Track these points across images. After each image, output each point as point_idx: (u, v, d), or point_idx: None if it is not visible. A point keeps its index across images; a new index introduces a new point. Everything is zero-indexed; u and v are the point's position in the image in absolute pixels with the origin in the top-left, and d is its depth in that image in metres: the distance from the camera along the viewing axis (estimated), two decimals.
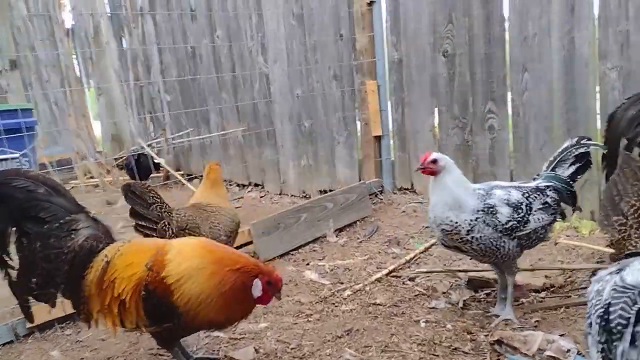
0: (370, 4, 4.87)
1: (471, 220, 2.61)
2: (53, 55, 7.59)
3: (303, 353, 2.60)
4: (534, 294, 3.07)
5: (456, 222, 2.62)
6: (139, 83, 7.33)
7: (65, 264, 2.21)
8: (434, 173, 2.69)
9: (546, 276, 3.28)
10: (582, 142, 2.84)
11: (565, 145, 2.87)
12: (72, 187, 6.94)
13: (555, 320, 2.76)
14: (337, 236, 4.38)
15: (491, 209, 2.63)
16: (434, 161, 2.67)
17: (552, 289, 3.10)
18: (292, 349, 2.65)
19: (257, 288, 2.18)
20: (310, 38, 5.37)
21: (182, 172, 6.72)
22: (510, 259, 2.72)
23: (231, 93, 6.30)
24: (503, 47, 4.27)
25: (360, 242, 4.25)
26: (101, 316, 2.22)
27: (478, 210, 2.62)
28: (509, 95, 4.29)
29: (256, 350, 2.64)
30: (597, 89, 3.87)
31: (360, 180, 5.11)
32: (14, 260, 2.28)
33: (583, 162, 2.84)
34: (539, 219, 2.69)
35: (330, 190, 5.24)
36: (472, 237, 2.62)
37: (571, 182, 2.81)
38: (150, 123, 7.48)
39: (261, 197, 6.06)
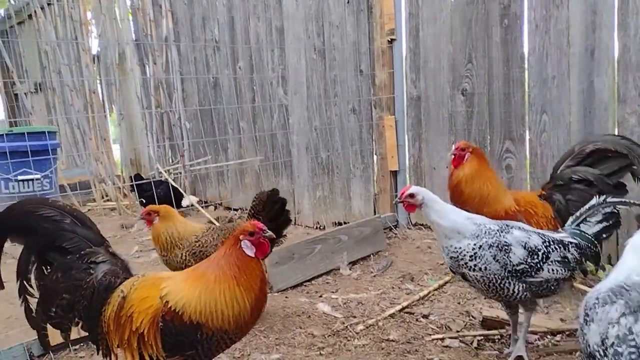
0: (390, 41, 4.97)
1: (474, 245, 2.59)
2: (78, 80, 7.78)
3: None
4: (549, 336, 3.04)
5: (459, 247, 2.62)
6: (160, 110, 7.47)
7: (84, 299, 2.22)
8: (413, 207, 2.73)
9: (562, 319, 3.25)
10: (609, 201, 2.74)
11: (592, 203, 2.77)
12: (90, 210, 7.04)
13: None
14: (350, 269, 4.37)
15: (505, 247, 2.58)
16: (411, 195, 2.69)
17: (567, 333, 3.06)
18: None
19: (247, 248, 2.17)
20: (330, 72, 5.47)
21: (198, 199, 6.78)
22: (519, 301, 2.67)
23: (250, 123, 6.40)
24: (522, 88, 4.32)
25: (374, 276, 4.24)
26: (121, 351, 2.22)
27: (491, 246, 2.58)
28: (527, 135, 4.31)
29: None
30: (616, 133, 3.88)
31: (375, 214, 5.12)
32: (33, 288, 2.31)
33: (611, 221, 2.74)
34: (553, 270, 2.60)
35: (345, 223, 5.26)
36: (476, 266, 2.59)
37: (595, 242, 2.70)
38: (169, 149, 7.59)
39: None
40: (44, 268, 2.29)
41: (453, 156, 3.61)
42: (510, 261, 2.57)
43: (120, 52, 7.65)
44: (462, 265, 2.63)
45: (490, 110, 4.47)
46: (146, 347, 2.15)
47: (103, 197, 7.51)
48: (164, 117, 7.48)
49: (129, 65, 7.67)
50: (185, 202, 6.24)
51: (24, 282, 2.30)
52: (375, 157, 5.31)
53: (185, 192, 6.75)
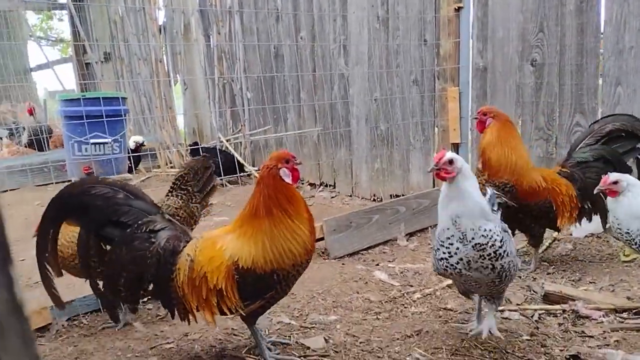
0: (457, 9, 4.83)
1: (501, 231, 2.30)
2: (145, 49, 8.01)
3: (372, 348, 2.62)
4: (615, 313, 2.94)
5: (491, 231, 2.25)
6: (222, 79, 7.60)
7: (151, 267, 2.28)
8: (447, 177, 2.28)
9: (628, 298, 3.14)
10: None
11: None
12: (155, 175, 7.31)
13: (637, 341, 2.63)
14: (407, 240, 4.37)
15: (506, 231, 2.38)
16: (450, 161, 2.27)
17: (635, 311, 2.95)
18: (360, 342, 2.68)
19: (286, 175, 2.30)
20: (393, 42, 5.39)
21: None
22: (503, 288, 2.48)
23: (310, 93, 6.42)
24: (596, 59, 4.12)
25: (432, 247, 4.21)
26: (199, 310, 2.30)
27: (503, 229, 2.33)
28: (599, 109, 4.13)
29: (326, 340, 2.69)
30: None
31: (434, 187, 5.07)
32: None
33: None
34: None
35: (402, 195, 5.23)
36: (505, 252, 2.27)
37: None
38: (230, 119, 7.74)
39: (332, 197, 6.13)
40: (103, 246, 2.34)
41: (476, 121, 3.53)
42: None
43: (186, 22, 7.81)
44: (488, 256, 2.24)
45: (561, 82, 4.29)
46: (225, 301, 2.24)
47: (167, 164, 7.77)
48: (226, 86, 7.61)
49: (193, 35, 7.83)
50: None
51: (87, 263, 2.36)
52: (436, 129, 5.23)
53: (245, 160, 6.89)
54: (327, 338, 2.71)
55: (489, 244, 2.24)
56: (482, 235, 2.24)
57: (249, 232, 2.27)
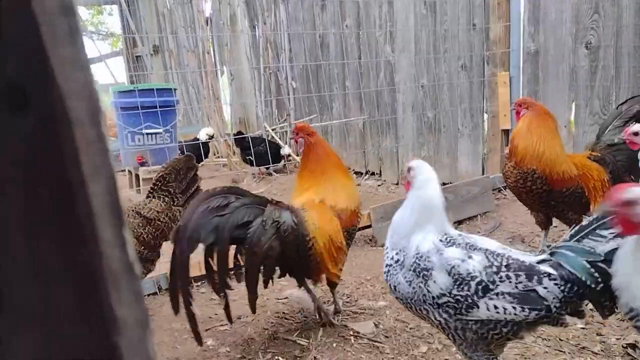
0: None
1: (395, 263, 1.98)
2: (193, 41, 8.17)
3: (422, 333, 2.63)
4: None
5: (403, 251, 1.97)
6: (268, 69, 7.68)
7: (292, 244, 2.44)
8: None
9: None
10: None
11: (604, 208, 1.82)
12: (202, 165, 7.48)
13: None
14: (456, 228, 4.29)
15: (424, 272, 1.86)
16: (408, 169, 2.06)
17: None
18: (410, 328, 2.69)
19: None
20: (440, 27, 5.31)
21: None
22: (465, 346, 1.90)
23: (356, 81, 6.41)
24: None
25: (481, 235, 4.16)
26: (330, 268, 2.60)
27: (411, 265, 1.91)
28: None
29: (376, 326, 2.71)
30: None
31: (483, 174, 4.99)
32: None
33: None
34: (496, 308, 1.77)
35: (450, 183, 5.17)
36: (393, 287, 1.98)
37: (596, 273, 1.76)
38: (276, 109, 7.82)
39: (378, 185, 6.12)
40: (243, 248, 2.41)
41: (514, 111, 3.47)
42: (428, 291, 1.85)
43: (232, 13, 7.91)
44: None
45: (618, 64, 4.14)
46: (341, 255, 2.67)
47: (215, 154, 7.93)
48: (272, 76, 7.69)
49: (239, 26, 7.93)
50: (284, 151, 6.45)
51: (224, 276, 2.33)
52: (485, 115, 5.13)
53: (292, 150, 6.96)
54: (376, 323, 2.74)
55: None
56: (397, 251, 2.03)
57: (317, 188, 2.75)
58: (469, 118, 5.23)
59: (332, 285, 2.76)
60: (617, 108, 3.53)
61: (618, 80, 4.14)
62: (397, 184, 6.04)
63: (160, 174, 2.92)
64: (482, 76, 5.05)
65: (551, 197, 3.32)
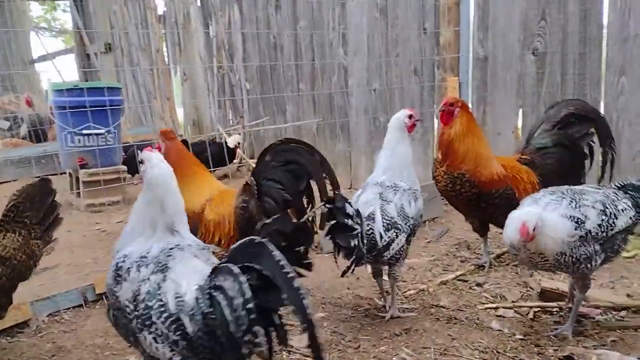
0: None
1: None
2: (144, 39, 7.92)
3: (358, 346, 2.53)
4: (613, 312, 2.83)
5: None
6: (221, 69, 7.50)
7: None
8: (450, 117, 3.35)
9: (628, 295, 3.03)
10: None
11: None
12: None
13: (635, 341, 2.52)
14: None
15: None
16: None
17: (633, 309, 2.83)
18: (348, 341, 2.59)
19: None
20: (392, 31, 5.26)
21: (254, 160, 6.80)
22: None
23: (309, 84, 6.30)
24: (599, 48, 3.98)
25: (428, 242, 4.11)
26: None
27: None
28: (602, 99, 3.99)
29: None
30: None
31: (433, 180, 4.94)
32: None
33: None
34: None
35: None
36: None
37: None
38: (229, 110, 7.64)
39: (329, 190, 6.01)
40: None
41: (442, 112, 3.41)
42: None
43: (185, 12, 7.70)
44: None
45: (563, 71, 4.15)
46: None
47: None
48: (225, 77, 7.51)
49: (192, 26, 7.73)
50: (231, 142, 6.25)
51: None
52: (435, 120, 5.10)
53: (244, 153, 6.79)
54: None
55: None
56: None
57: None
58: (419, 123, 5.17)
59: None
60: (545, 112, 3.56)
61: (564, 87, 4.16)
62: (349, 188, 5.96)
63: (12, 202, 2.47)
64: (433, 81, 5.02)
65: (481, 200, 3.31)
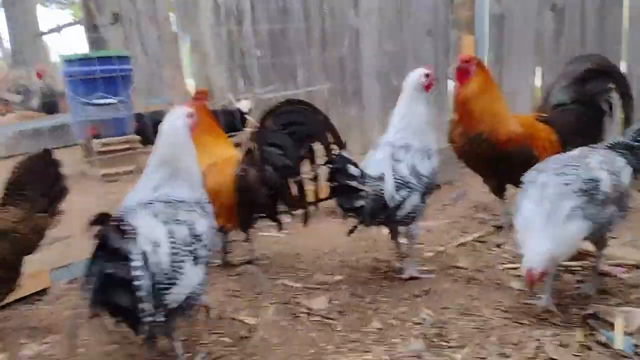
0: None
1: None
2: (152, 8, 7.78)
3: (377, 307, 2.51)
4: (637, 269, 2.78)
5: None
6: (231, 37, 7.38)
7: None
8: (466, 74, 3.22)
9: None
10: None
11: None
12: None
13: None
14: None
15: None
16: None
17: None
18: (367, 302, 2.58)
19: None
20: None
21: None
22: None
23: (319, 48, 6.18)
24: (620, 4, 3.82)
25: (445, 205, 4.07)
26: None
27: None
28: (623, 58, 3.85)
29: (329, 301, 2.59)
30: None
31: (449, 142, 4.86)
32: None
33: None
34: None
35: None
36: None
37: None
38: (239, 77, 7.55)
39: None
40: None
41: (457, 70, 3.29)
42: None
43: None
44: None
45: (583, 27, 4.02)
46: None
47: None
48: (234, 45, 7.39)
49: None
50: (244, 106, 6.18)
51: None
52: (450, 82, 4.98)
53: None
54: (331, 299, 2.61)
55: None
56: None
57: None
58: (434, 88, 5.07)
59: None
60: (563, 68, 3.45)
61: (583, 43, 4.04)
62: (363, 153, 5.86)
63: (12, 175, 2.41)
64: (448, 41, 4.88)
65: (499, 159, 3.23)
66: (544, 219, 2.15)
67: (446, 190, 4.35)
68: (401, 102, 2.93)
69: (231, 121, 5.39)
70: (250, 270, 2.96)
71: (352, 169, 2.55)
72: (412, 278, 2.78)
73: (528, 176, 2.36)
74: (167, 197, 1.99)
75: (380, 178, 2.64)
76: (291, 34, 6.48)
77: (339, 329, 2.33)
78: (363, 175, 2.59)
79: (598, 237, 2.42)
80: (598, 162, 2.33)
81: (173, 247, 1.85)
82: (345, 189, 2.54)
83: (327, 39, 6.08)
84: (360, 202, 2.54)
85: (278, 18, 6.65)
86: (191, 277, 1.89)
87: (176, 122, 2.11)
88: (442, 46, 4.93)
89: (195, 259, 1.93)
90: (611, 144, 2.53)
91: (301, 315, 2.46)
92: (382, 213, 2.62)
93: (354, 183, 2.54)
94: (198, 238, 1.95)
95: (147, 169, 2.12)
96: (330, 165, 2.57)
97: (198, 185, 2.13)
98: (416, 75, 2.87)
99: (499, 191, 3.50)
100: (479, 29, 4.64)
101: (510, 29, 4.45)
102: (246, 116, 6.42)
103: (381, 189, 2.61)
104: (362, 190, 2.54)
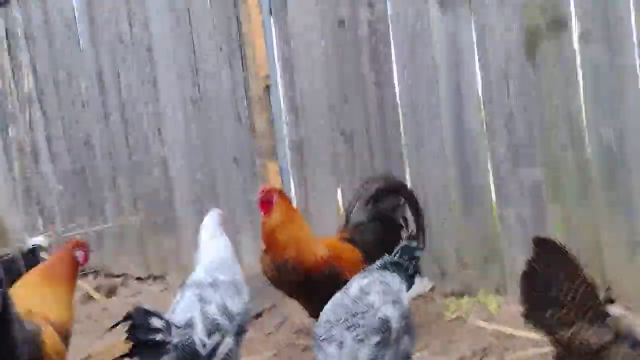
0: (267, 87, 4.86)
1: None
2: None
3: None
4: None
5: None
6: (26, 174, 6.82)
7: None
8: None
9: (461, 358, 3.20)
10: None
11: None
12: None
13: None
14: None
15: None
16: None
17: None
18: None
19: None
20: (209, 122, 5.25)
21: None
22: None
23: (127, 180, 5.97)
24: (398, 128, 4.33)
25: (269, 334, 3.98)
26: None
27: None
28: (408, 173, 4.31)
29: None
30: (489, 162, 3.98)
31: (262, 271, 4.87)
32: None
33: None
34: None
35: None
36: None
37: None
38: (38, 216, 6.90)
39: (161, 290, 5.65)
40: None
41: (260, 202, 3.47)
42: None
43: None
44: None
45: (371, 150, 4.45)
46: None
47: None
48: (31, 182, 6.83)
49: None
50: (41, 241, 5.58)
51: None
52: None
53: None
54: None
55: None
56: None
57: None
58: (247, 213, 5.14)
59: None
60: (358, 191, 3.79)
61: (372, 164, 4.44)
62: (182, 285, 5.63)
63: None
64: (254, 168, 5.06)
65: (308, 284, 3.34)
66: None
67: (269, 317, 4.28)
68: (203, 241, 2.97)
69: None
70: None
71: (155, 321, 2.36)
72: None
73: (320, 330, 2.34)
74: None
75: (189, 325, 2.50)
76: (95, 166, 6.20)
77: None
78: (169, 325, 2.41)
79: None
80: (381, 297, 2.36)
81: None
82: (148, 346, 2.34)
83: (134, 169, 5.91)
84: (167, 357, 2.34)
85: (79, 152, 6.33)
86: None
87: None
88: (250, 173, 5.09)
89: None
90: (382, 264, 2.62)
91: None
92: None
93: (159, 337, 2.34)
94: None
95: None
96: (128, 322, 2.34)
97: None
98: (214, 214, 3.04)
99: (315, 313, 3.53)
100: (281, 155, 4.90)
101: (309, 154, 4.76)
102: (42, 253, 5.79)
103: (190, 338, 2.45)
104: (168, 343, 2.35)
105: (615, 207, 3.52)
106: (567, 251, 2.08)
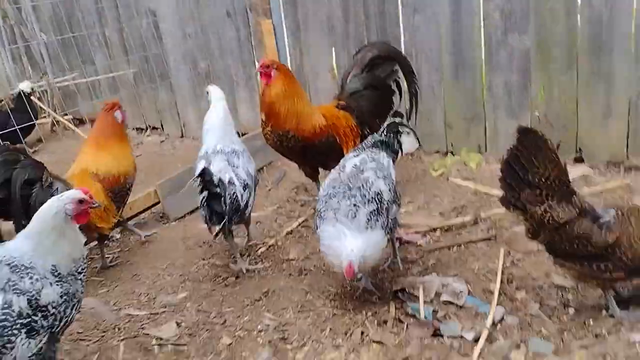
0: None
1: None
2: None
3: (224, 321, 2.72)
4: (431, 232, 3.35)
5: None
6: (8, 19, 6.59)
7: None
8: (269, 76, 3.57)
9: (441, 213, 3.58)
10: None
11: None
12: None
13: (448, 260, 3.03)
14: None
15: None
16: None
17: (445, 228, 3.37)
18: (213, 318, 2.76)
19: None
20: None
21: (70, 117, 6.29)
22: None
23: (117, 30, 5.87)
24: None
25: (269, 190, 4.33)
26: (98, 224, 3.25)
27: None
28: (402, 36, 4.35)
29: (178, 325, 2.71)
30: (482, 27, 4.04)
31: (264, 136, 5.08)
32: None
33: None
34: None
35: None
36: None
37: None
38: (28, 66, 6.83)
39: (161, 141, 5.89)
40: None
41: (260, 74, 3.64)
42: None
43: None
44: None
45: (366, 11, 4.41)
46: None
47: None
48: (15, 29, 6.63)
49: None
50: (25, 87, 5.83)
51: None
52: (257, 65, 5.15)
53: (55, 111, 6.22)
54: (179, 322, 2.73)
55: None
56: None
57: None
58: (242, 69, 5.20)
59: (102, 238, 3.38)
60: (353, 57, 3.88)
61: (368, 26, 4.44)
62: (181, 137, 5.89)
63: None
64: (248, 25, 5.00)
65: (308, 151, 3.64)
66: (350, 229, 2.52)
67: (268, 173, 4.61)
68: (210, 115, 3.37)
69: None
70: (90, 304, 2.93)
71: (216, 178, 2.91)
72: (247, 271, 3.13)
73: (320, 204, 2.71)
74: None
75: (232, 183, 2.99)
76: (80, 15, 6.01)
77: (192, 355, 2.49)
78: (223, 183, 2.94)
79: (393, 235, 2.91)
80: (373, 172, 2.70)
81: None
82: (214, 196, 2.89)
83: (122, 20, 5.78)
84: (223, 207, 2.90)
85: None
86: None
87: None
88: (243, 29, 5.04)
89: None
90: (372, 142, 2.97)
91: (153, 347, 2.56)
92: (237, 213, 3.00)
93: (219, 189, 2.89)
94: None
95: None
96: (201, 178, 2.86)
97: None
98: (217, 90, 3.49)
99: (313, 175, 3.89)
100: (275, 12, 4.82)
101: (304, 13, 4.70)
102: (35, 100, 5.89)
103: (234, 192, 2.96)
104: (225, 195, 2.90)
105: (598, 76, 3.74)
106: (546, 139, 2.35)
